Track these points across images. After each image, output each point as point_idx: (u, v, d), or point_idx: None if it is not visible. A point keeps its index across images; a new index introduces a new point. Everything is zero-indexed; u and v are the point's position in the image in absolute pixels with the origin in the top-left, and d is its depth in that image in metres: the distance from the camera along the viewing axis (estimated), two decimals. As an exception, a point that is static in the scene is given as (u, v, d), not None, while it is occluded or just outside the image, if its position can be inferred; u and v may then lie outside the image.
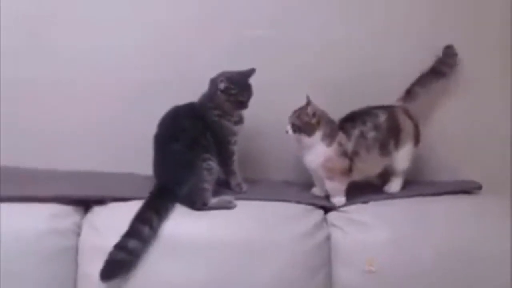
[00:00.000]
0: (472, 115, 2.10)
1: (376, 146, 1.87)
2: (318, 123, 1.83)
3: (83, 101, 2.05)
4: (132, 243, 1.63)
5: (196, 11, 2.03)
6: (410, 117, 1.95)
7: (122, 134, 2.06)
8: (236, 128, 1.88)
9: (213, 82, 1.85)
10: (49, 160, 2.01)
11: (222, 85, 1.82)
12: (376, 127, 1.87)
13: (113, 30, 2.02)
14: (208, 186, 1.77)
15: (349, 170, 1.85)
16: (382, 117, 1.89)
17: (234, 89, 1.82)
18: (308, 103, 1.83)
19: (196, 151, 1.78)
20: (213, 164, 1.80)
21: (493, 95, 2.09)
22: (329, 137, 1.83)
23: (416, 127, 1.95)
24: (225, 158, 1.88)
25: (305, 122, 1.83)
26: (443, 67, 2.02)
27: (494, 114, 2.10)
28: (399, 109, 1.95)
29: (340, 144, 1.84)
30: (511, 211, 1.80)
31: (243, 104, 1.85)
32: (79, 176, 1.98)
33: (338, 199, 1.87)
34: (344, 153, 1.84)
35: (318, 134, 1.83)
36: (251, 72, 1.85)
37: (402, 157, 1.92)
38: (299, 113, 1.85)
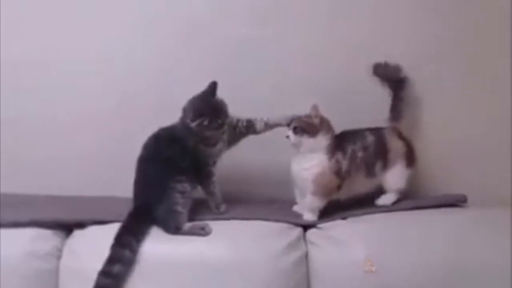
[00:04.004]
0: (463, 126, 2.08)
1: (363, 167, 1.86)
2: (321, 123, 1.82)
3: (64, 130, 2.11)
4: (116, 268, 1.64)
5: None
6: (401, 138, 1.93)
7: (106, 159, 2.10)
8: (214, 150, 1.85)
9: (184, 115, 1.82)
10: (34, 186, 2.04)
11: (193, 124, 1.78)
12: (364, 148, 1.86)
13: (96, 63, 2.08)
14: (182, 209, 1.77)
15: (338, 188, 1.84)
16: (370, 139, 1.88)
17: (205, 119, 1.78)
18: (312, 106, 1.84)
19: (171, 173, 1.78)
20: (188, 186, 1.80)
21: (483, 106, 2.07)
22: (332, 151, 1.83)
23: (409, 148, 1.92)
24: (204, 180, 1.87)
25: (308, 122, 1.83)
26: (391, 78, 1.98)
27: (486, 125, 2.07)
28: (388, 130, 1.93)
29: (337, 162, 1.83)
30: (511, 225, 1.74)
31: (221, 125, 1.81)
32: (60, 201, 1.99)
33: (310, 215, 1.85)
34: (337, 172, 1.83)
35: (321, 138, 1.82)
36: (213, 86, 1.80)
37: (392, 177, 1.90)
38: (301, 116, 1.85)
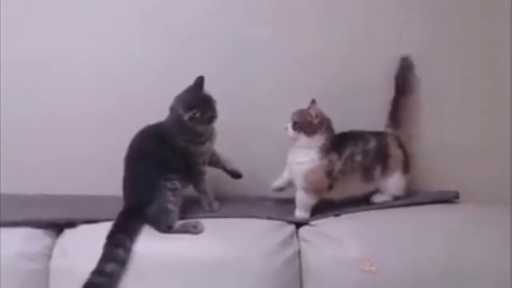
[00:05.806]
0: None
1: (360, 170, 1.84)
2: (321, 124, 1.80)
3: (63, 130, 2.10)
4: (110, 267, 1.63)
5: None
6: (400, 146, 1.91)
7: (105, 159, 2.07)
8: (203, 148, 1.85)
9: (174, 111, 1.82)
10: (34, 186, 2.04)
11: (186, 116, 1.77)
12: (365, 152, 1.84)
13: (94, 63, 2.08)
14: (173, 207, 1.75)
15: (329, 188, 1.83)
16: (372, 143, 1.86)
17: (198, 111, 1.77)
18: (312, 103, 1.83)
19: (161, 171, 1.77)
20: (179, 184, 1.78)
21: (476, 107, 2.05)
22: (325, 151, 1.81)
23: (406, 156, 1.91)
24: (195, 179, 1.87)
25: (307, 121, 1.81)
26: (405, 84, 1.98)
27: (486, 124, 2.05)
28: (391, 137, 1.92)
29: (330, 162, 1.81)
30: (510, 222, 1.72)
31: (212, 117, 1.81)
32: (51, 200, 1.98)
33: (301, 214, 1.85)
34: (329, 173, 1.81)
35: (317, 137, 1.81)
36: (201, 81, 1.80)
37: (391, 185, 1.89)
38: (303, 112, 1.83)
